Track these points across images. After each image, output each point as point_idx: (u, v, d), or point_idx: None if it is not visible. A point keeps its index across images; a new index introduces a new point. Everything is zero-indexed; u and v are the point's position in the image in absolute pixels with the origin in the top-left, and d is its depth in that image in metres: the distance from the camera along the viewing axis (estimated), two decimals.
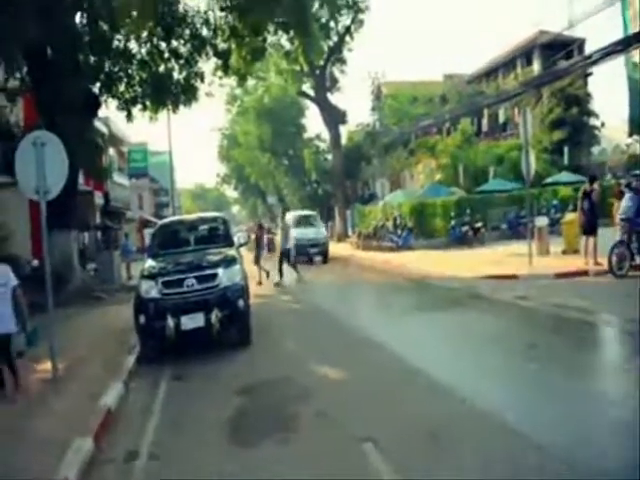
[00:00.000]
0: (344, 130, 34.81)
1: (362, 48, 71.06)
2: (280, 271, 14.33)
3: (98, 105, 14.01)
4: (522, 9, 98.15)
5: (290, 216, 22.59)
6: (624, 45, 19.69)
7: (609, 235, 11.02)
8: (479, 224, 20.02)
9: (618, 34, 24.50)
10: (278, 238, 21.62)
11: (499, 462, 3.68)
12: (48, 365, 6.10)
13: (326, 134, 35.44)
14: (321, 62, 30.49)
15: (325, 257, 20.07)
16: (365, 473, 3.69)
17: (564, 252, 13.38)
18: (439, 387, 5.17)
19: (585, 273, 10.78)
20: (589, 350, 6.42)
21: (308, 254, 19.73)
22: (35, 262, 12.61)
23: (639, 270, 10.14)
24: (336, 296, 12.58)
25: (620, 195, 12.15)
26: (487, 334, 7.38)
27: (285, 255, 14.49)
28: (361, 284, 14.03)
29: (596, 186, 11.92)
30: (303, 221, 21.74)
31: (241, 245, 9.99)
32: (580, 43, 29.24)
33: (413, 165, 32.12)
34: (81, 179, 16.43)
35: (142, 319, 7.01)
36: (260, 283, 13.92)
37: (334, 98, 33.02)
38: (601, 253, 10.84)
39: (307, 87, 33.32)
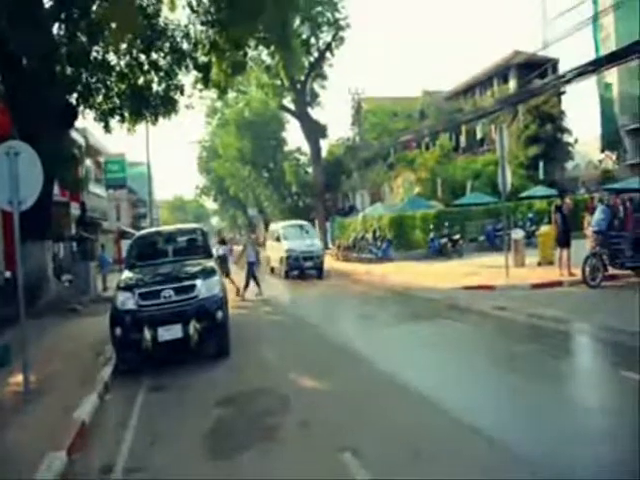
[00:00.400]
0: (325, 144, 35.16)
1: (342, 64, 72.14)
2: (250, 284, 13.96)
3: (75, 116, 13.84)
4: (499, 30, 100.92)
5: (280, 226, 20.48)
6: (596, 66, 20.36)
7: (582, 247, 11.32)
8: (457, 236, 20.29)
9: (590, 55, 25.45)
10: (266, 251, 21.13)
11: (478, 472, 3.71)
12: (21, 378, 5.94)
13: (307, 147, 35.69)
14: (302, 77, 30.79)
15: (320, 272, 17.97)
16: None
17: (539, 264, 13.66)
18: (419, 397, 5.20)
19: (560, 284, 11.02)
20: (565, 358, 6.53)
21: (301, 268, 17.91)
22: (7, 274, 12.31)
23: (611, 280, 10.42)
24: (316, 307, 12.54)
25: (592, 210, 12.52)
26: (466, 344, 7.47)
27: (250, 268, 14.02)
28: (341, 295, 14.04)
29: (568, 200, 12.31)
30: (295, 232, 19.36)
31: (220, 257, 9.93)
32: (554, 63, 30.15)
33: (392, 179, 32.49)
34: (57, 189, 16.18)
35: (118, 331, 6.89)
36: (238, 293, 13.71)
37: (314, 112, 33.41)
38: (575, 264, 11.10)
39: (288, 101, 33.58)
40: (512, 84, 32.71)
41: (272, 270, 20.04)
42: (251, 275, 13.89)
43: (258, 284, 13.99)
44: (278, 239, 19.16)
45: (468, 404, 4.93)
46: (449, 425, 4.50)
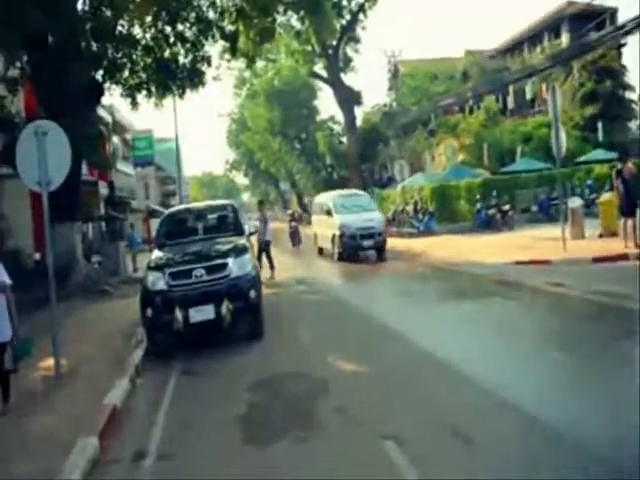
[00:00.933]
0: (359, 112, 34.66)
1: (377, 26, 70.29)
2: (269, 263, 13.32)
3: (101, 92, 14.00)
4: None
5: (330, 197, 18.02)
6: None
7: None
8: (507, 207, 19.77)
9: None
10: (310, 228, 19.66)
11: (522, 457, 3.61)
12: (51, 362, 6.09)
13: (340, 116, 35.26)
14: (334, 42, 30.25)
15: (382, 252, 15.81)
16: (387, 472, 3.59)
17: (601, 235, 13.07)
18: (463, 380, 5.07)
19: (625, 257, 10.48)
20: (629, 340, 6.18)
21: (358, 248, 15.65)
22: (37, 256, 12.69)
23: None
24: (354, 285, 12.47)
25: None
26: (518, 323, 7.24)
27: (264, 249, 13.25)
28: (380, 272, 13.90)
29: (630, 164, 11.67)
30: (350, 203, 16.85)
31: (251, 234, 9.95)
32: (612, 12, 28.48)
33: (434, 146, 31.76)
34: (85, 169, 16.49)
35: (149, 312, 7.00)
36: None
37: (348, 78, 33.11)
38: None
39: (319, 68, 33.22)
40: (565, 38, 31.15)
41: (320, 251, 18.20)
42: (266, 255, 13.28)
43: (271, 266, 13.39)
44: (329, 213, 16.79)
45: (515, 386, 4.74)
46: (494, 408, 4.36)
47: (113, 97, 19.19)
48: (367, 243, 15.56)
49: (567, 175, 18.93)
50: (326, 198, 18.34)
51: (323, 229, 17.48)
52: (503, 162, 25.43)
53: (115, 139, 28.07)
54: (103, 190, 21.70)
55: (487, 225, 19.46)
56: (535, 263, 11.12)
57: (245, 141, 50.84)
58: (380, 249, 15.79)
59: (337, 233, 15.78)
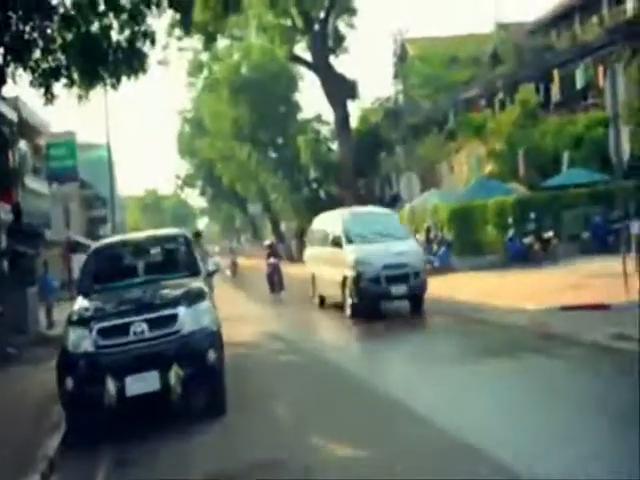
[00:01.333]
0: (355, 108, 35.29)
1: None
2: None
3: (2, 79, 14.12)
4: None
5: (335, 219, 16.67)
6: None
7: None
8: (549, 233, 20.19)
9: None
10: (307, 265, 18.56)
11: None
12: None
13: (329, 114, 35.79)
14: (321, 13, 30.87)
15: (419, 302, 14.48)
16: None
17: None
18: (497, 470, 5.10)
19: None
20: None
21: (384, 297, 14.39)
22: None
23: None
24: (349, 342, 12.55)
25: None
26: (569, 395, 7.26)
27: None
28: (383, 323, 13.95)
29: None
30: (369, 227, 15.54)
31: (211, 274, 10.06)
32: None
33: (453, 153, 32.31)
34: None
35: (70, 383, 7.01)
36: None
37: (340, 63, 33.69)
38: None
39: (302, 49, 33.74)
40: (630, 4, 31.92)
41: (322, 301, 17.14)
42: None
43: None
44: (337, 243, 15.33)
45: None
46: None
47: (20, 87, 19.35)
48: (398, 290, 14.10)
49: (630, 191, 19.32)
50: (331, 220, 17.00)
51: (327, 268, 16.18)
52: (545, 174, 25.86)
53: (22, 145, 28.17)
54: (5, 216, 21.68)
55: (523, 258, 19.87)
56: (588, 308, 11.31)
57: (202, 148, 51.25)
58: (417, 297, 14.43)
59: (350, 274, 14.23)
